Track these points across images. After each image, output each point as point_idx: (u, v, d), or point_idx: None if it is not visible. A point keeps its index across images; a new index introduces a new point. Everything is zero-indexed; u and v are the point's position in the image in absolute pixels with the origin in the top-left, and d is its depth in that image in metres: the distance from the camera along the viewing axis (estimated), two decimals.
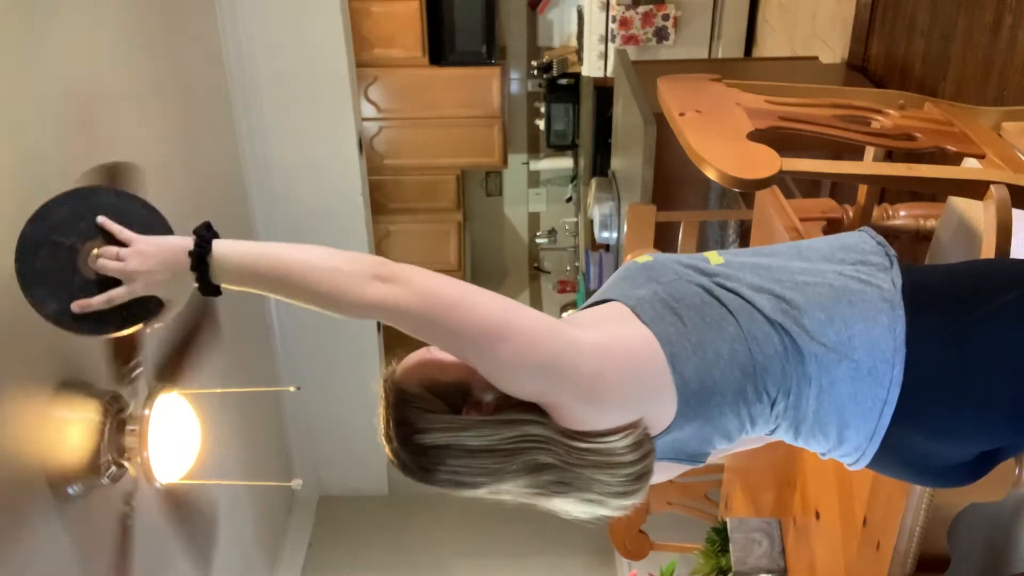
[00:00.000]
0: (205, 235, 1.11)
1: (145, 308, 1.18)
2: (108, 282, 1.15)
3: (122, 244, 1.16)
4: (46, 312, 1.17)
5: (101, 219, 1.17)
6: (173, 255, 1.13)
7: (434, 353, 1.13)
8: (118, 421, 2.14)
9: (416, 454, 1.07)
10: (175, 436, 2.21)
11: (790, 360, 1.11)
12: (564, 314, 5.90)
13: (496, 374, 1.05)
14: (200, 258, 1.10)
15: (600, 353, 1.07)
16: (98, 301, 1.15)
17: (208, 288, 1.12)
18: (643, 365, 1.08)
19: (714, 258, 1.20)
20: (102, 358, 2.10)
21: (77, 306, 1.16)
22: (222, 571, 3.36)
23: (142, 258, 1.14)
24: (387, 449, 1.09)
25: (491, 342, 1.03)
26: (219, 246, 1.11)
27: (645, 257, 1.22)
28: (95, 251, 1.16)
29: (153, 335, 2.14)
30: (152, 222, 1.21)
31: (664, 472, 1.21)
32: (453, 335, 1.04)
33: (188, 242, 1.11)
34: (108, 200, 1.21)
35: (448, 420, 1.07)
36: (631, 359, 1.08)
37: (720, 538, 2.43)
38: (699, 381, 1.09)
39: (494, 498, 1.10)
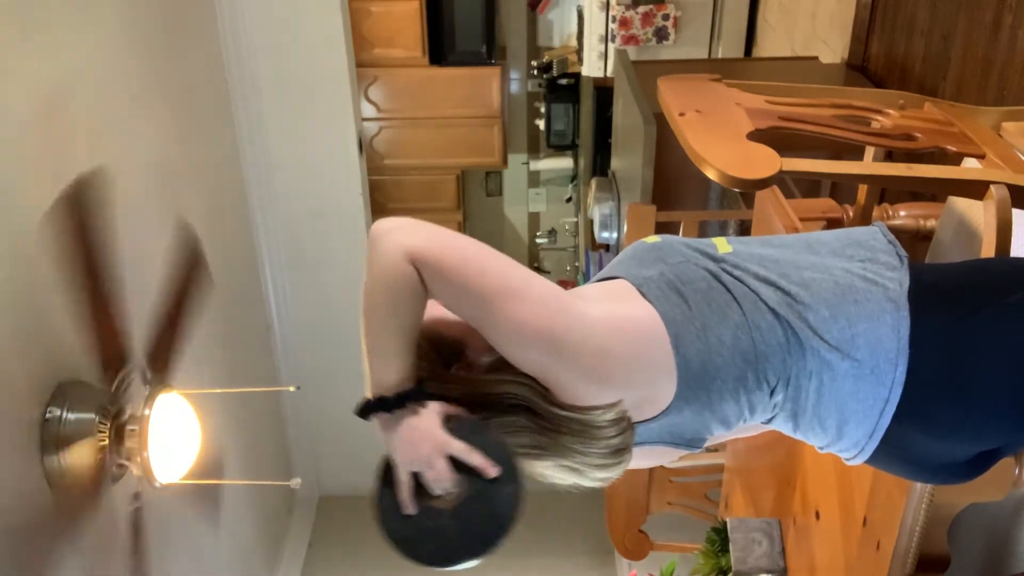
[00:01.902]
0: (367, 404, 1.08)
1: (465, 423, 1.10)
2: (462, 471, 1.08)
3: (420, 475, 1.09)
4: (520, 507, 1.08)
5: (404, 510, 1.11)
6: (395, 425, 1.07)
7: (441, 307, 1.13)
8: (118, 422, 2.14)
9: (399, 398, 1.08)
10: (175, 436, 2.21)
11: (791, 353, 1.11)
12: None
13: (502, 336, 1.05)
14: (391, 403, 1.07)
15: (607, 329, 1.07)
16: (480, 461, 1.07)
17: (417, 395, 1.07)
18: (647, 344, 1.08)
19: (722, 245, 1.20)
20: (96, 367, 2.10)
21: (494, 471, 1.07)
22: (222, 571, 3.36)
23: (413, 448, 1.07)
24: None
25: (504, 300, 1.03)
26: (373, 389, 1.08)
27: (653, 238, 1.22)
28: (437, 497, 1.09)
29: (139, 330, 2.14)
30: (386, 469, 1.13)
31: (661, 457, 1.22)
32: (469, 288, 1.03)
33: (380, 416, 1.08)
34: (389, 512, 1.12)
35: (436, 372, 1.08)
36: (636, 337, 1.08)
37: (720, 538, 2.43)
38: (701, 364, 1.09)
39: None
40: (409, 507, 1.09)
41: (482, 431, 1.09)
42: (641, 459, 1.18)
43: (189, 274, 2.23)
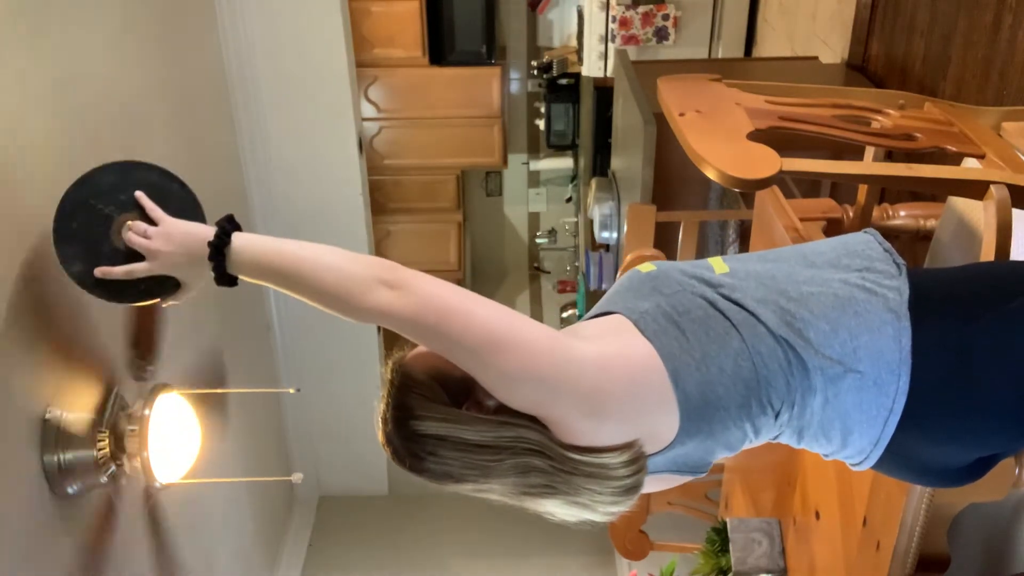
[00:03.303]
0: (227, 227, 1.15)
1: (162, 286, 1.26)
2: (133, 255, 1.23)
3: (153, 222, 1.23)
4: (71, 271, 1.25)
5: (139, 194, 1.25)
6: (195, 242, 1.18)
7: None
8: (119, 420, 2.14)
9: (409, 440, 1.06)
10: (175, 436, 2.21)
11: (794, 374, 1.11)
12: (564, 314, 5.92)
13: (496, 385, 1.05)
14: (218, 249, 1.14)
15: (601, 367, 1.06)
16: (119, 271, 1.22)
17: (223, 278, 1.17)
18: (644, 380, 1.07)
19: (719, 265, 1.19)
20: (104, 356, 2.10)
21: (99, 272, 1.23)
22: (222, 571, 3.36)
23: (166, 239, 1.20)
24: (380, 432, 1.08)
25: (491, 352, 1.03)
26: (238, 239, 1.15)
27: (648, 266, 1.21)
28: (128, 223, 1.23)
29: (165, 346, 2.14)
30: (187, 206, 1.30)
31: (666, 483, 1.21)
32: (453, 343, 1.04)
33: (211, 232, 1.15)
34: (150, 178, 1.29)
35: (447, 412, 1.06)
36: (632, 374, 1.07)
37: (720, 538, 2.43)
38: (702, 396, 1.08)
39: (479, 496, 1.09)
40: (133, 199, 1.26)
41: (139, 296, 1.26)
42: (646, 486, 1.18)
43: None
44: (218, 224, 1.16)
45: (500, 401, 1.07)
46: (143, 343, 2.10)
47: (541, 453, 1.05)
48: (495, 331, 1.04)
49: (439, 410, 1.06)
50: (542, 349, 1.04)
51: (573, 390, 1.04)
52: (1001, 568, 1.87)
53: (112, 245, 1.25)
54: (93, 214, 1.26)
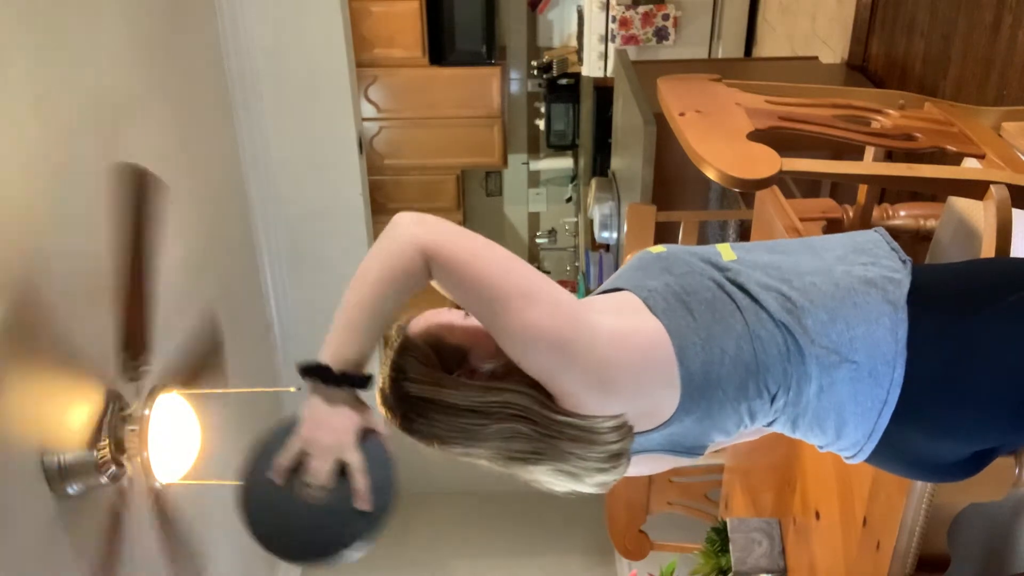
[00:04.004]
0: (311, 365, 1.07)
1: (378, 447, 1.10)
2: (342, 478, 1.08)
3: (305, 453, 1.09)
4: (361, 547, 1.08)
5: (273, 473, 1.10)
6: (324, 400, 1.07)
7: (450, 314, 1.15)
8: (119, 421, 2.14)
9: (401, 401, 1.09)
10: (175, 436, 2.21)
11: (791, 360, 1.12)
12: None
13: (511, 339, 1.05)
14: (332, 377, 1.06)
15: (613, 342, 1.07)
16: (361, 486, 1.07)
17: (363, 383, 1.08)
18: (652, 357, 1.09)
19: (727, 252, 1.21)
20: (105, 356, 2.10)
21: (365, 504, 1.07)
22: (222, 570, 3.36)
23: (320, 431, 1.08)
24: (377, 391, 1.11)
25: (521, 301, 1.03)
26: (323, 354, 1.07)
27: (659, 248, 1.23)
28: (306, 485, 1.08)
29: (165, 344, 2.14)
30: (287, 428, 1.12)
31: (661, 464, 1.22)
32: (485, 286, 1.04)
33: (316, 384, 1.07)
34: (261, 465, 1.12)
35: (438, 376, 1.08)
36: (641, 350, 1.09)
37: (720, 538, 2.43)
38: (704, 375, 1.09)
39: (468, 460, 1.10)
40: (278, 475, 1.09)
41: (385, 466, 1.08)
42: (641, 466, 1.19)
43: (138, 221, 1.96)
44: (308, 372, 1.07)
45: (494, 369, 1.08)
46: (141, 344, 2.09)
47: (526, 419, 1.06)
48: (530, 284, 1.05)
49: (431, 374, 1.08)
50: (565, 312, 1.05)
51: (586, 361, 1.05)
52: (1001, 568, 1.88)
53: (328, 499, 1.07)
54: (303, 520, 1.08)
